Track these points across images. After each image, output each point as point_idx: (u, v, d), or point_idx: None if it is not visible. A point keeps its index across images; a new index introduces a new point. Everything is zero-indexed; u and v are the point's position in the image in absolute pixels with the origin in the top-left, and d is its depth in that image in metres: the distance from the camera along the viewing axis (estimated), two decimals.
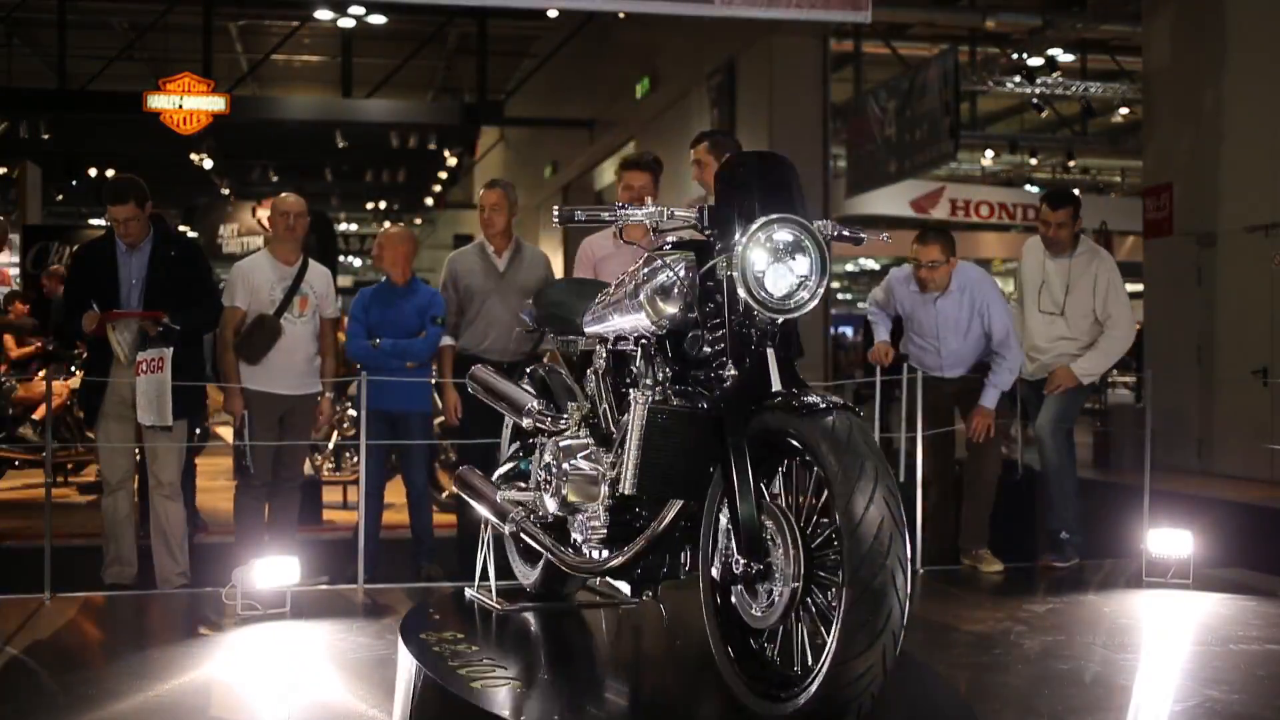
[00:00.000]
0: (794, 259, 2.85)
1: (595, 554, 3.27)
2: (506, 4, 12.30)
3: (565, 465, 3.37)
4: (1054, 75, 16.66)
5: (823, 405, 2.68)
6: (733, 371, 2.89)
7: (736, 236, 2.86)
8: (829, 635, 2.55)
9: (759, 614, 2.74)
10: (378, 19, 16.52)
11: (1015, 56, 15.42)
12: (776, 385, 2.82)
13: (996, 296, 5.84)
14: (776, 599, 2.69)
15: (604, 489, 3.24)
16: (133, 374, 5.38)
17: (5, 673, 4.00)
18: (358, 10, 15.90)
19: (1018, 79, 15.85)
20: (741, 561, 2.72)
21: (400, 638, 3.51)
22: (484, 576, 4.03)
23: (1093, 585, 5.59)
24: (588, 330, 3.53)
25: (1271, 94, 9.46)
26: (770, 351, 2.87)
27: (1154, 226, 10.79)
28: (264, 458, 5.79)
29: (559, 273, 22.44)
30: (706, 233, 2.99)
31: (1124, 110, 18.38)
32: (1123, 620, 4.93)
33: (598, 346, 3.51)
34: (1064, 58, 16.40)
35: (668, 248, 3.10)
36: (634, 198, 5.45)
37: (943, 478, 6.06)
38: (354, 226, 33.99)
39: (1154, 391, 6.87)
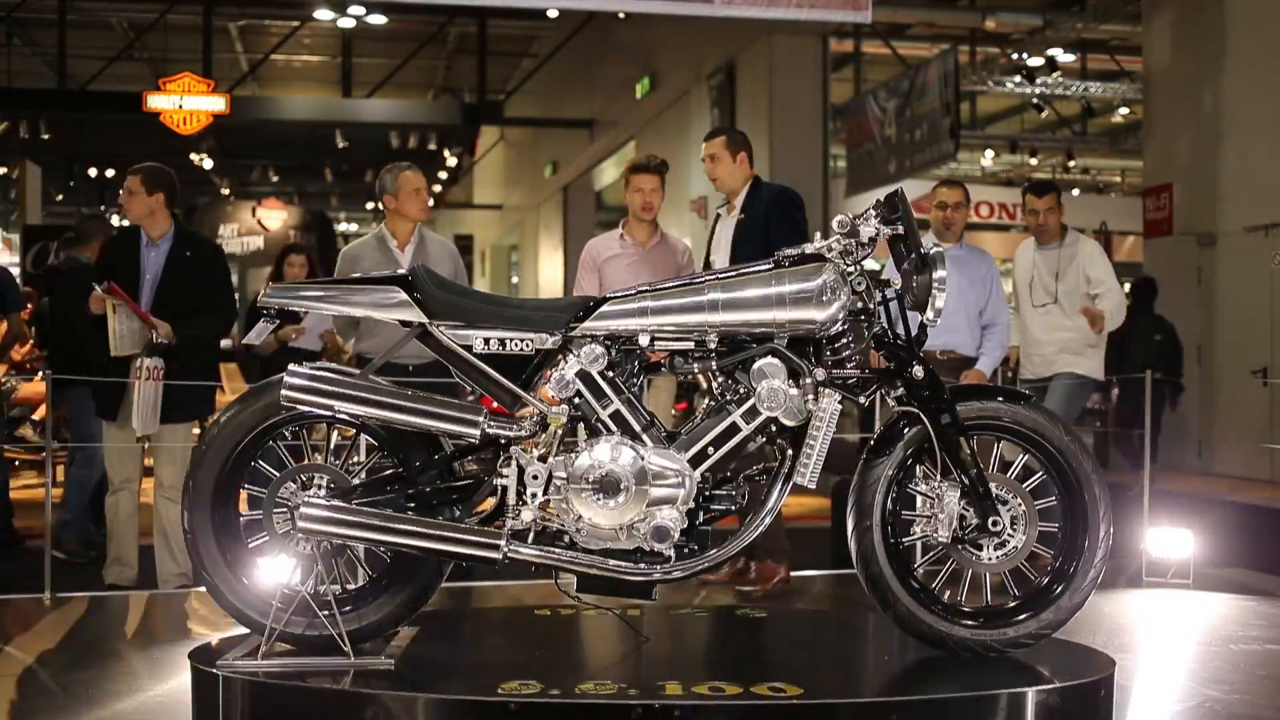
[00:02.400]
0: None
1: (679, 557, 3.32)
2: (506, 4, 12.31)
3: (647, 469, 3.27)
4: (1054, 75, 16.66)
5: (1027, 397, 3.58)
6: (923, 373, 3.45)
7: (924, 263, 3.36)
8: (1030, 570, 3.51)
9: (994, 561, 3.47)
10: (378, 19, 16.53)
11: (1015, 56, 15.41)
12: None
13: (1000, 283, 5.98)
14: (1017, 546, 3.46)
15: (694, 489, 3.31)
16: (131, 377, 5.36)
17: (5, 673, 4.00)
18: (358, 10, 15.91)
19: (1018, 79, 15.84)
20: (999, 521, 3.41)
21: None
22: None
23: None
24: (602, 326, 3.37)
25: (1271, 94, 9.46)
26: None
27: (1154, 226, 10.80)
28: None
29: (558, 273, 22.24)
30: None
31: (1124, 110, 18.37)
32: (1123, 620, 4.93)
33: (591, 344, 3.37)
34: (1064, 58, 16.38)
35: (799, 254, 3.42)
36: (645, 202, 5.46)
37: None
38: (354, 226, 33.99)
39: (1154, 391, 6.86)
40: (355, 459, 3.55)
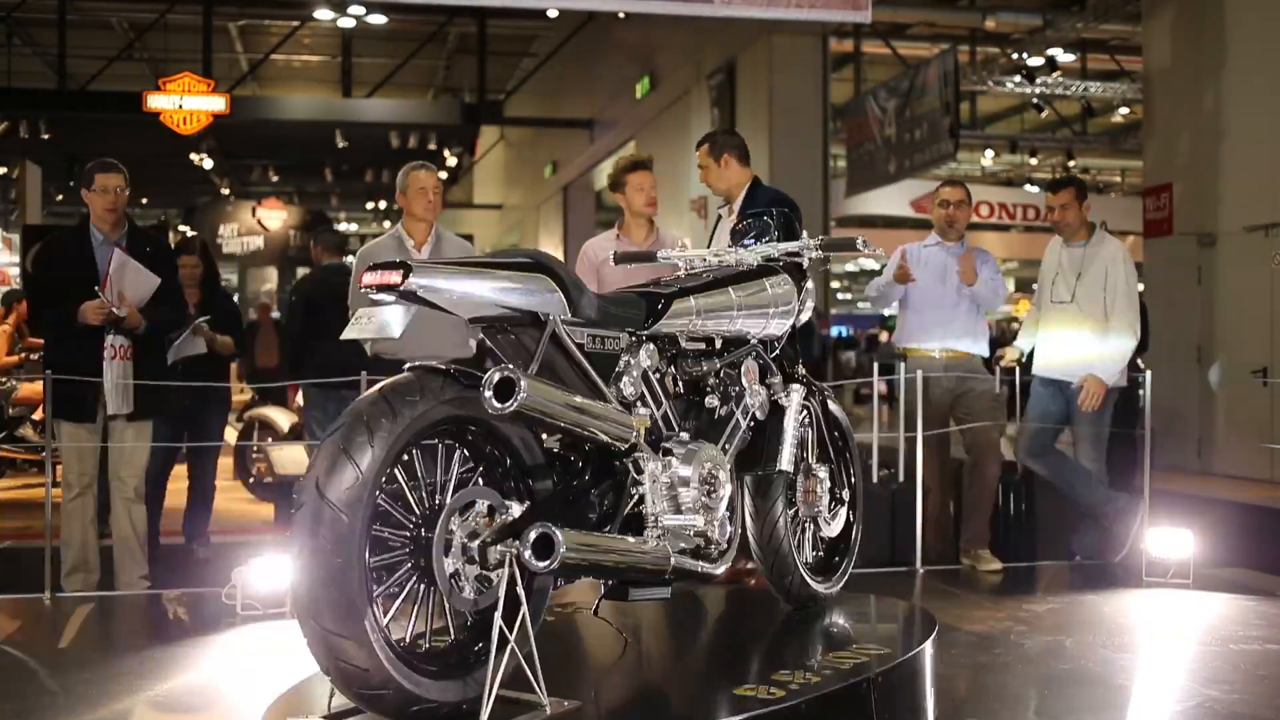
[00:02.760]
0: None
1: (721, 551, 3.36)
2: (506, 4, 12.30)
3: (721, 472, 3.30)
4: (1054, 75, 16.67)
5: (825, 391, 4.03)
6: (807, 371, 3.83)
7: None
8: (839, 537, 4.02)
9: (835, 530, 3.97)
10: (378, 19, 16.53)
11: (1015, 56, 15.42)
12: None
13: (1002, 281, 6.07)
14: (843, 516, 4.00)
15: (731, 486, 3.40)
16: (105, 357, 5.26)
17: (5, 673, 4.00)
18: (358, 10, 15.92)
19: (1018, 79, 15.86)
20: (844, 495, 3.99)
21: None
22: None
23: (1093, 585, 5.58)
24: (674, 324, 3.33)
25: (1271, 94, 9.46)
26: None
27: (1154, 226, 10.81)
28: None
29: None
30: (821, 254, 3.83)
31: (1124, 110, 18.40)
32: (1123, 620, 4.93)
33: (649, 343, 3.26)
34: (1064, 58, 16.41)
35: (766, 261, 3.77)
36: (649, 198, 5.44)
37: (942, 478, 6.06)
38: (354, 226, 34.00)
39: (1154, 391, 6.87)
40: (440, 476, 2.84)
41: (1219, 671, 4.06)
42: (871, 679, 3.12)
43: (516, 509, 2.77)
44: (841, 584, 4.03)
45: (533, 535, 2.61)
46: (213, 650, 4.33)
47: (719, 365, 3.54)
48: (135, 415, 5.40)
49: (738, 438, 3.51)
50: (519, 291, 2.78)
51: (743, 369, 3.59)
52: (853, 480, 4.07)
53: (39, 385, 8.42)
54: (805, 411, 3.81)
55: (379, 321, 2.70)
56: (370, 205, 32.79)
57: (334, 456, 2.50)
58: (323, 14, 16.59)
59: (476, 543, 2.68)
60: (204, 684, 3.89)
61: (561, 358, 2.94)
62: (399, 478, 2.66)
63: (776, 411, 3.66)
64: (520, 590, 2.65)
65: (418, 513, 2.68)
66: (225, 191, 26.90)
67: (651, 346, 3.28)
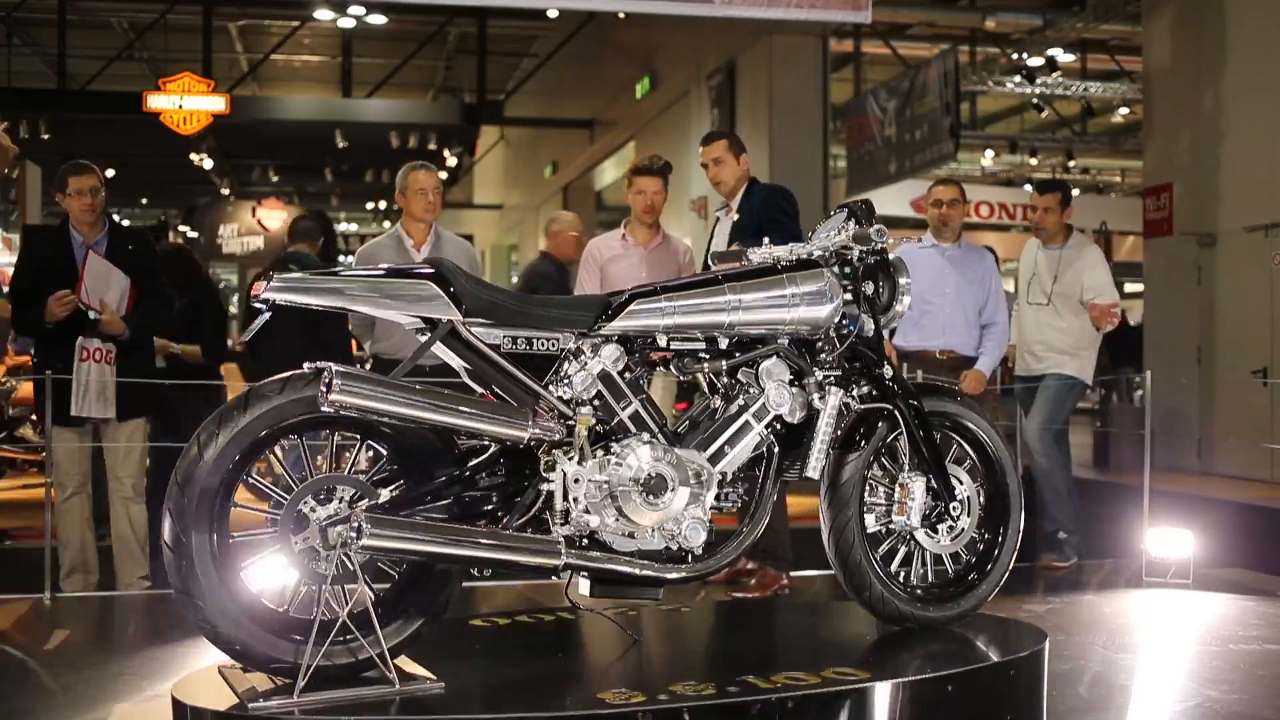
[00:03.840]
0: None
1: (704, 552, 3.32)
2: (506, 4, 12.32)
3: (687, 468, 3.27)
4: (1054, 75, 16.66)
5: (958, 394, 3.91)
6: (892, 372, 3.65)
7: (887, 268, 3.62)
8: (967, 554, 3.77)
9: (946, 542, 3.71)
10: (378, 19, 16.53)
11: (1015, 56, 15.42)
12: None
13: (999, 282, 6.03)
14: (964, 528, 3.72)
15: (715, 487, 3.35)
16: (77, 359, 5.22)
17: (5, 673, 4.00)
18: (358, 10, 15.91)
19: (1018, 79, 15.85)
20: (959, 506, 3.69)
21: None
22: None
23: (1093, 585, 5.59)
24: (631, 325, 3.30)
25: (1271, 94, 9.46)
26: None
27: (1154, 226, 10.81)
28: None
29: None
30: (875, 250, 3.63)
31: (1124, 110, 18.38)
32: (1123, 620, 4.93)
33: (611, 344, 3.28)
34: (1064, 58, 16.39)
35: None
36: (647, 204, 5.48)
37: None
38: (354, 226, 33.98)
39: (1154, 391, 6.87)
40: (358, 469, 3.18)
41: (1219, 671, 4.07)
42: (777, 702, 2.95)
43: (384, 495, 3.02)
44: (960, 609, 3.70)
45: (356, 520, 2.87)
46: (213, 650, 4.32)
47: (726, 365, 3.45)
48: (124, 415, 5.38)
49: (744, 440, 3.41)
50: (396, 300, 3.01)
51: (761, 369, 3.46)
52: (1009, 493, 3.79)
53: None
54: (890, 419, 3.62)
55: (256, 324, 3.04)
56: (370, 205, 32.76)
57: (191, 444, 2.91)
58: (323, 14, 16.59)
59: (326, 524, 2.94)
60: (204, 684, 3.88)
61: (475, 358, 3.13)
62: (279, 461, 3.07)
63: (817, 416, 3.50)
64: (357, 568, 2.91)
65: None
66: (225, 191, 26.88)
67: (613, 347, 3.28)
